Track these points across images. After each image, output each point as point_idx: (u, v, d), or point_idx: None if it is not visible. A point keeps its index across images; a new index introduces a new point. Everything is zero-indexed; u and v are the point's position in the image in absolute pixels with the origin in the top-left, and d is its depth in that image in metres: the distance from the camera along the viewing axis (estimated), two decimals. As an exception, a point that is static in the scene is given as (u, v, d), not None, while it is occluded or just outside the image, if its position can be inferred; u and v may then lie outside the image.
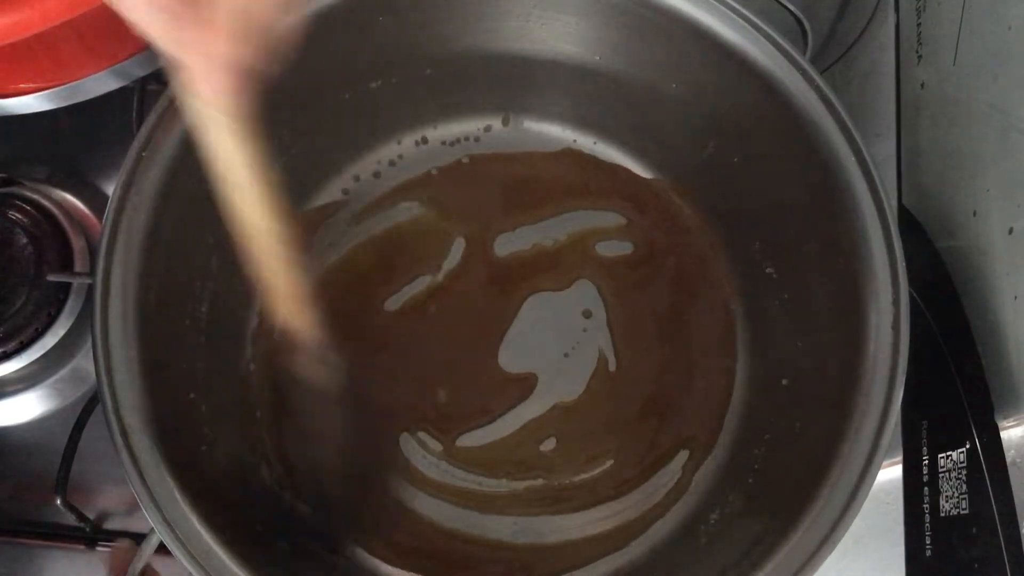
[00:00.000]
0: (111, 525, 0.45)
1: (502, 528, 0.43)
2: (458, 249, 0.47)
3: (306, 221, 0.47)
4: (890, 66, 0.46)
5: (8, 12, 0.32)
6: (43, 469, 0.45)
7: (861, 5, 0.50)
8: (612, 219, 0.48)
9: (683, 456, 0.45)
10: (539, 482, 0.44)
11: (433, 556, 0.43)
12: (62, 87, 0.40)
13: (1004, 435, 0.34)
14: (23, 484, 0.46)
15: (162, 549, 0.33)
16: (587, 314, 0.46)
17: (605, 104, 0.46)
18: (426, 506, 0.44)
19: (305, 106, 0.42)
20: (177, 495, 0.33)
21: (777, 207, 0.42)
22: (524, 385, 0.45)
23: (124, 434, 0.33)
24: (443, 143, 0.48)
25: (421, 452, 0.44)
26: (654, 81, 0.43)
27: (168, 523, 0.33)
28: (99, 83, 0.41)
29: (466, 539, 0.43)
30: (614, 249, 0.48)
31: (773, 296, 0.43)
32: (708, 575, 0.37)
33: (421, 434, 0.45)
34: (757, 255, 0.44)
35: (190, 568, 0.32)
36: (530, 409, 0.45)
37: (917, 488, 0.36)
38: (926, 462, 0.36)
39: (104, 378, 0.34)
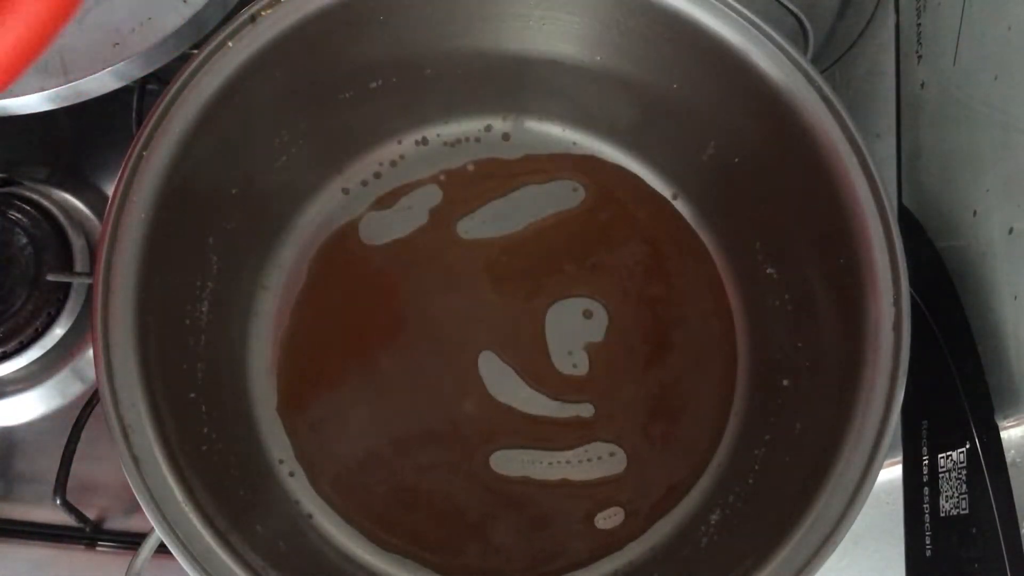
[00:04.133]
0: (111, 525, 0.45)
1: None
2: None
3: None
4: (890, 66, 0.46)
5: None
6: (43, 469, 0.45)
7: (861, 5, 0.50)
8: (611, 220, 0.48)
9: (683, 456, 0.45)
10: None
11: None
12: (62, 87, 0.40)
13: (1004, 435, 0.34)
14: (23, 484, 0.46)
15: (162, 549, 0.33)
16: (588, 314, 0.46)
17: (606, 104, 0.46)
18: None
19: (305, 106, 0.42)
20: (177, 495, 0.33)
21: (777, 207, 0.42)
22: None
23: (124, 434, 0.33)
24: (444, 143, 0.48)
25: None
26: (655, 81, 0.43)
27: (168, 523, 0.33)
28: (99, 83, 0.41)
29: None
30: (614, 251, 0.48)
31: (773, 296, 0.43)
32: None
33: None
34: (757, 255, 0.44)
35: (190, 569, 0.32)
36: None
37: (917, 488, 0.36)
38: (926, 462, 0.36)
39: (104, 378, 0.34)
